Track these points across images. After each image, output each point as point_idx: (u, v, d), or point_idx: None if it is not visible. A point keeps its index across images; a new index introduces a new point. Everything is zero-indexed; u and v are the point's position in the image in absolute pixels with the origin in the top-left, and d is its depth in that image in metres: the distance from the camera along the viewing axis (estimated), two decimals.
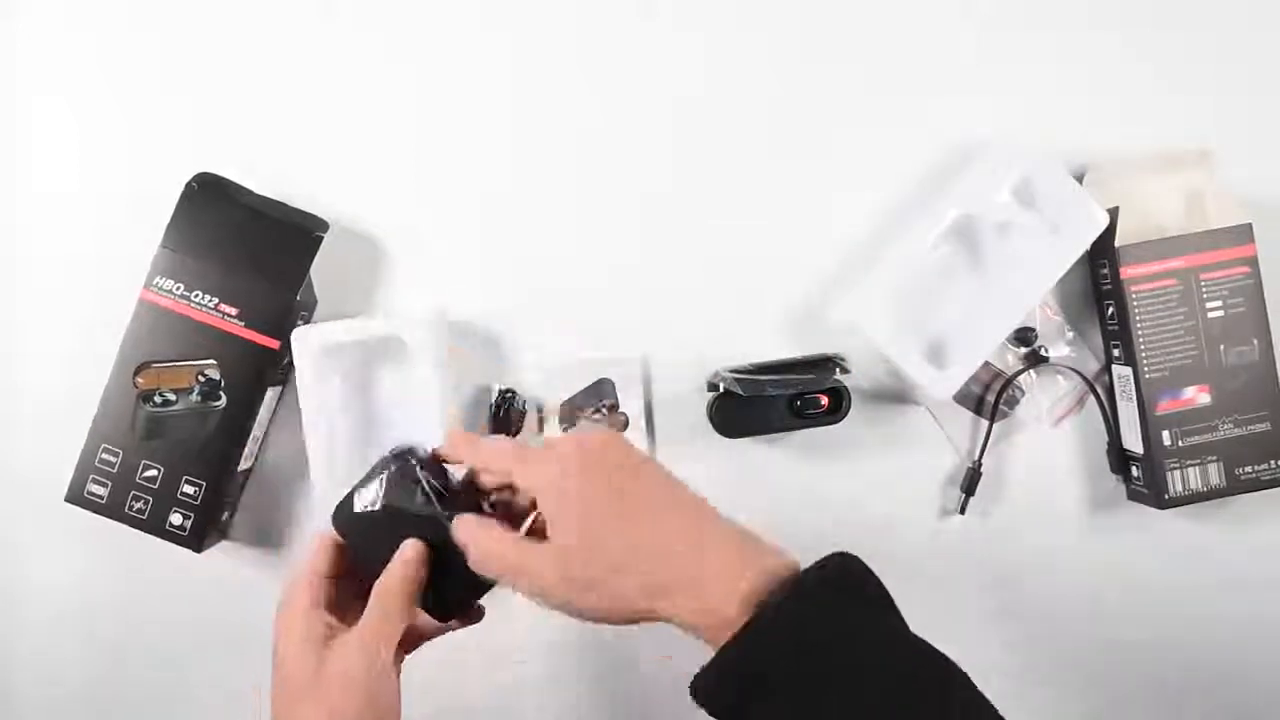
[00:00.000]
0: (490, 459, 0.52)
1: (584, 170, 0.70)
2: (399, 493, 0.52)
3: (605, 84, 0.70)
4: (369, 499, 0.52)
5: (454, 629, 0.55)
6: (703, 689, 0.45)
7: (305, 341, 0.64)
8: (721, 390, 0.67)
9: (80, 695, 0.69)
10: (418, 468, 0.52)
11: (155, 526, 0.64)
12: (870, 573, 0.47)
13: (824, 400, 0.67)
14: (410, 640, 0.54)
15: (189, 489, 0.64)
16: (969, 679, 0.45)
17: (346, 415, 0.66)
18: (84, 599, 0.69)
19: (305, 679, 0.49)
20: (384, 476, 0.52)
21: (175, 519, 0.64)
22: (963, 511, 0.70)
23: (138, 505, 0.64)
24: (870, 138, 0.71)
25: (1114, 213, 0.67)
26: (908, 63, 0.71)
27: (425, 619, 0.54)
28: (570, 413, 0.68)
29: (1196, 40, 0.71)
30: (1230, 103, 0.72)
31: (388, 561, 0.51)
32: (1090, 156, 0.69)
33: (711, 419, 0.68)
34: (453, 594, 0.53)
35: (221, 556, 0.68)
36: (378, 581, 0.51)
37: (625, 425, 0.68)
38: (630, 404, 0.69)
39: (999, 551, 0.71)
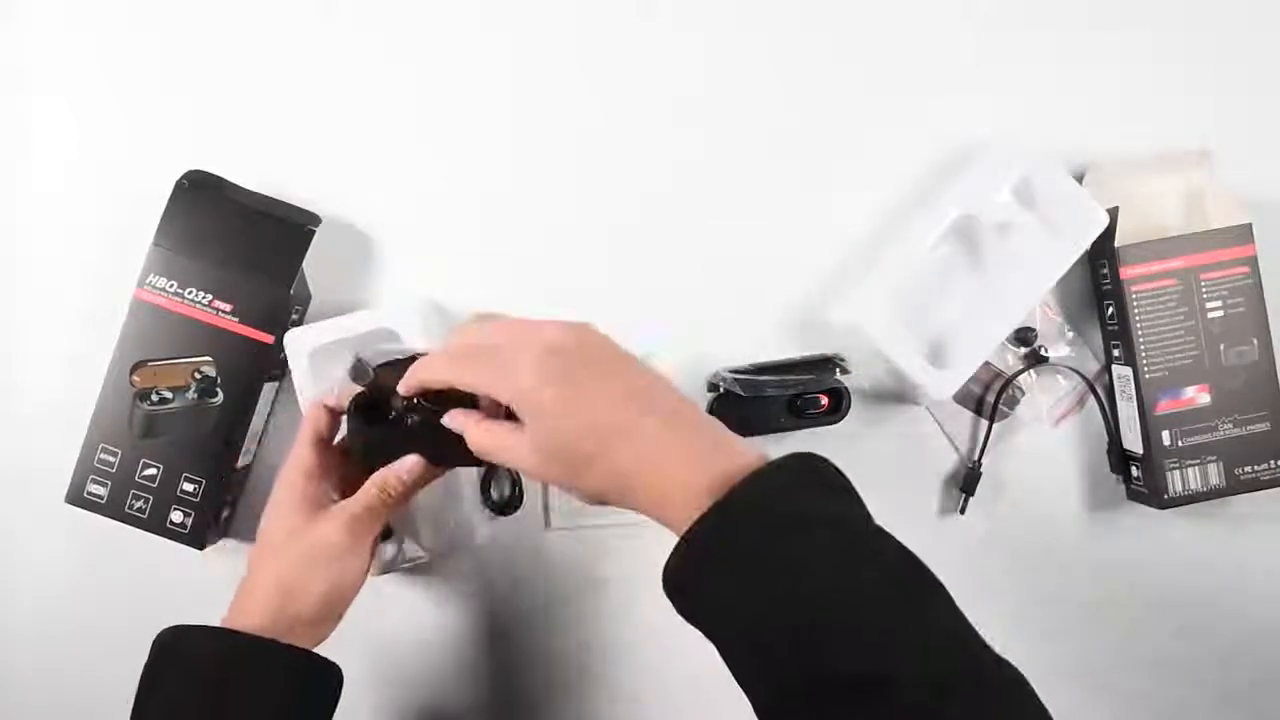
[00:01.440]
0: (450, 378, 0.51)
1: (583, 169, 0.70)
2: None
3: (605, 84, 0.70)
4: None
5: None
6: (669, 577, 0.46)
7: (298, 343, 0.64)
8: (721, 390, 0.66)
9: (81, 695, 0.69)
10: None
11: (156, 525, 0.64)
12: (834, 468, 0.49)
13: (824, 400, 0.67)
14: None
15: (189, 486, 0.64)
16: (924, 565, 0.47)
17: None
18: (85, 599, 0.69)
19: (290, 532, 0.55)
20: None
21: (176, 517, 0.64)
22: (963, 511, 0.70)
23: (138, 504, 0.64)
24: (870, 138, 0.71)
25: (1114, 213, 0.67)
26: (908, 63, 0.71)
27: None
28: None
29: (1196, 40, 0.71)
30: (1230, 103, 0.71)
31: (386, 460, 0.56)
32: (1090, 156, 0.69)
33: None
34: None
35: (223, 553, 0.68)
36: (378, 473, 0.56)
37: None
38: None
39: (999, 551, 0.71)
